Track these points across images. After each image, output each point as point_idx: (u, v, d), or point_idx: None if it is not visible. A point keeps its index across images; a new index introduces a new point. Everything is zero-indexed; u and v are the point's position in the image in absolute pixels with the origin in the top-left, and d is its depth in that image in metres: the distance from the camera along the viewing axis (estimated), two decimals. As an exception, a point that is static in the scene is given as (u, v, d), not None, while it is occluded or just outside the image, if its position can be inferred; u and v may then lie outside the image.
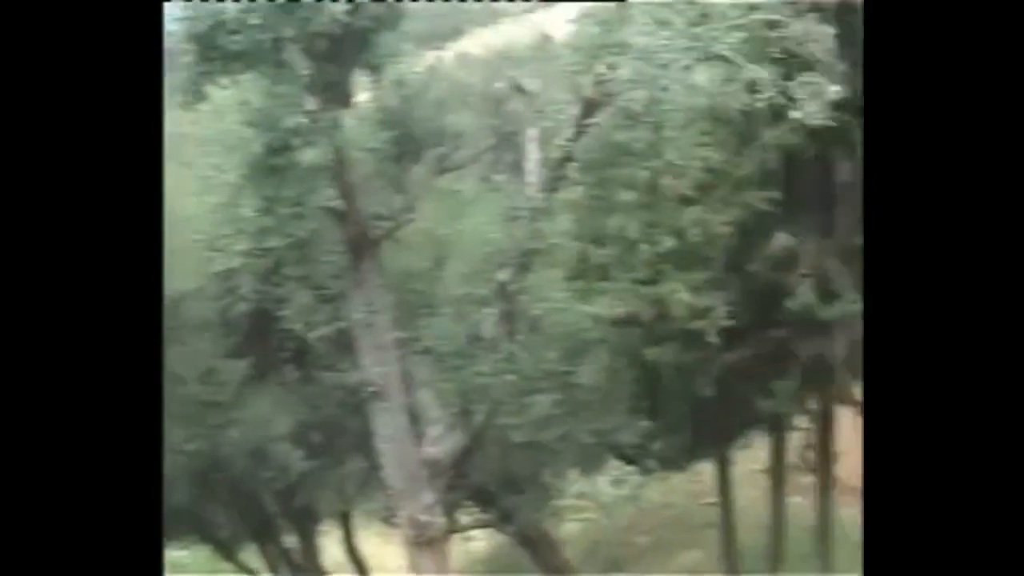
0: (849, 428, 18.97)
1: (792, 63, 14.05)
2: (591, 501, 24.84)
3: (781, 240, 16.42)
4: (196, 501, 18.73)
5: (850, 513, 20.41)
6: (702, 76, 13.07)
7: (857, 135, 16.41)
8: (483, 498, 19.63)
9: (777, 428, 18.35)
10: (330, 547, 23.44)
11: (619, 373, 17.17)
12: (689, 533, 21.52)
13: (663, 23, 12.64)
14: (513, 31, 54.64)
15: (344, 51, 13.31)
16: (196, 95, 12.81)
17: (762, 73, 13.30)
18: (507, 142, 15.60)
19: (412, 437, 14.71)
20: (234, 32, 12.42)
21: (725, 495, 19.60)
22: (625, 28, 12.84)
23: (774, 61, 13.67)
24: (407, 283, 16.14)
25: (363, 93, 14.28)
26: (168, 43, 9.19)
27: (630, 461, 19.40)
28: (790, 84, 13.63)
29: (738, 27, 12.92)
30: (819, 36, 14.12)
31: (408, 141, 14.61)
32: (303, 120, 12.89)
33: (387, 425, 14.66)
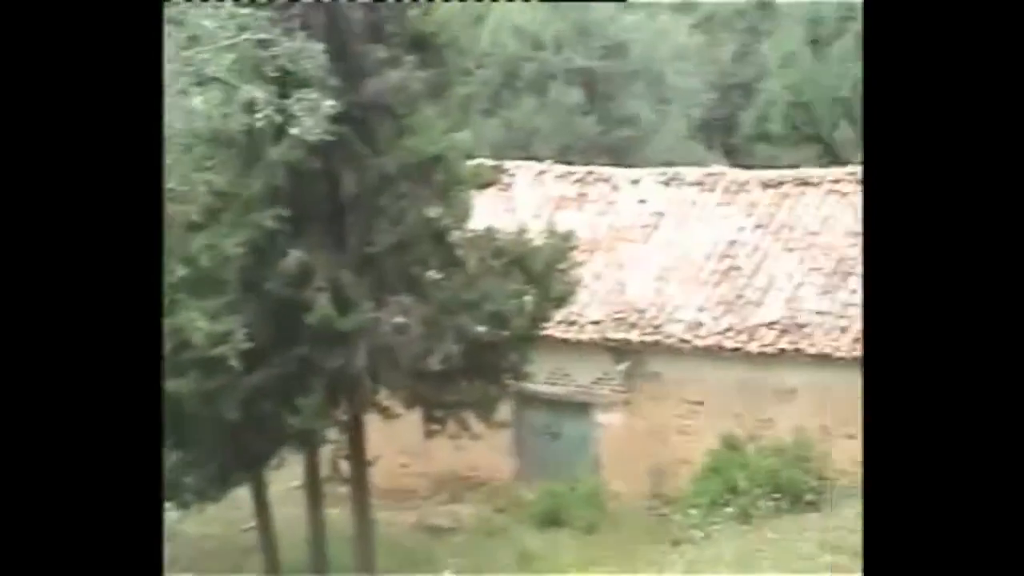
0: (378, 434, 19.30)
1: (287, 81, 14.15)
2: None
3: (295, 257, 16.48)
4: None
5: (386, 516, 20.79)
6: (198, 99, 12.93)
7: (358, 147, 16.72)
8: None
9: (308, 444, 18.40)
10: None
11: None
12: (231, 560, 21.23)
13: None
14: None
15: None
16: None
17: (258, 92, 13.32)
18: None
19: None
20: None
21: (263, 517, 19.47)
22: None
23: (270, 80, 13.72)
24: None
25: None
26: None
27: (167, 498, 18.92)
28: (287, 102, 13.72)
29: (229, 48, 12.87)
30: (311, 53, 14.29)
31: None
32: None
33: None
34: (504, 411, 19.62)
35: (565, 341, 21.82)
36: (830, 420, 20.04)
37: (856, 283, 20.72)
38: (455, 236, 17.96)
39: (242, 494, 19.53)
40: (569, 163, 26.11)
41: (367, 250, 17.14)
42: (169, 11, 11.56)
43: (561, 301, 19.00)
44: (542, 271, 18.46)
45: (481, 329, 17.81)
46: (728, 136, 39.56)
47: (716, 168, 25.55)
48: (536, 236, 18.69)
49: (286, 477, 20.36)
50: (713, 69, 40.49)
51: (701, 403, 21.52)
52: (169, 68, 12.20)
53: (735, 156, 36.14)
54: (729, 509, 19.27)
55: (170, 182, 13.77)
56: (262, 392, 16.87)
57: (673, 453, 21.43)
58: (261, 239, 16.45)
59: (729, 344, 21.09)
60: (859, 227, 21.65)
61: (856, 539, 14.94)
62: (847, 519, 16.71)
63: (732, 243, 22.45)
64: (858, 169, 23.25)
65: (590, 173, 24.98)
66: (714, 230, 22.80)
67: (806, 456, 19.96)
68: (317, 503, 19.11)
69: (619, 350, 22.04)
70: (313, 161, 16.29)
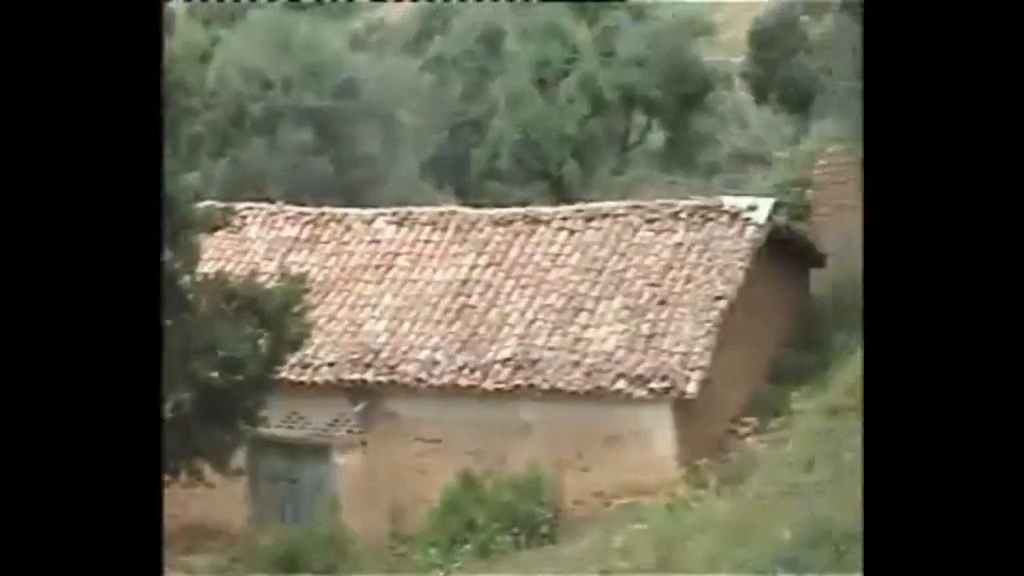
0: None
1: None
2: None
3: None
4: None
5: None
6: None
7: None
8: None
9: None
10: None
11: None
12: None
13: None
14: None
15: None
16: None
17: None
18: None
19: None
20: None
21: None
22: None
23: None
24: None
25: None
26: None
27: None
28: None
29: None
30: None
31: None
32: None
33: None
34: (239, 457, 19.32)
35: (300, 384, 21.63)
36: (565, 454, 20.40)
37: (586, 318, 21.20)
38: (185, 281, 17.64)
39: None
40: (302, 204, 25.96)
41: None
42: None
43: (295, 344, 18.85)
44: (275, 314, 18.28)
45: (214, 375, 17.51)
46: (459, 175, 40.04)
47: (448, 207, 25.82)
48: (268, 279, 18.49)
49: None
50: (443, 109, 40.95)
51: (439, 441, 21.61)
52: None
53: (466, 194, 36.60)
54: (468, 546, 19.38)
55: None
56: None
57: (412, 492, 21.45)
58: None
59: (464, 382, 21.25)
60: (588, 264, 22.19)
61: (593, 567, 15.25)
62: (582, 549, 17.01)
63: (465, 282, 22.68)
64: (586, 207, 23.87)
65: (322, 214, 24.89)
66: (447, 269, 22.99)
67: (541, 489, 20.25)
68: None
69: (355, 391, 21.97)
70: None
